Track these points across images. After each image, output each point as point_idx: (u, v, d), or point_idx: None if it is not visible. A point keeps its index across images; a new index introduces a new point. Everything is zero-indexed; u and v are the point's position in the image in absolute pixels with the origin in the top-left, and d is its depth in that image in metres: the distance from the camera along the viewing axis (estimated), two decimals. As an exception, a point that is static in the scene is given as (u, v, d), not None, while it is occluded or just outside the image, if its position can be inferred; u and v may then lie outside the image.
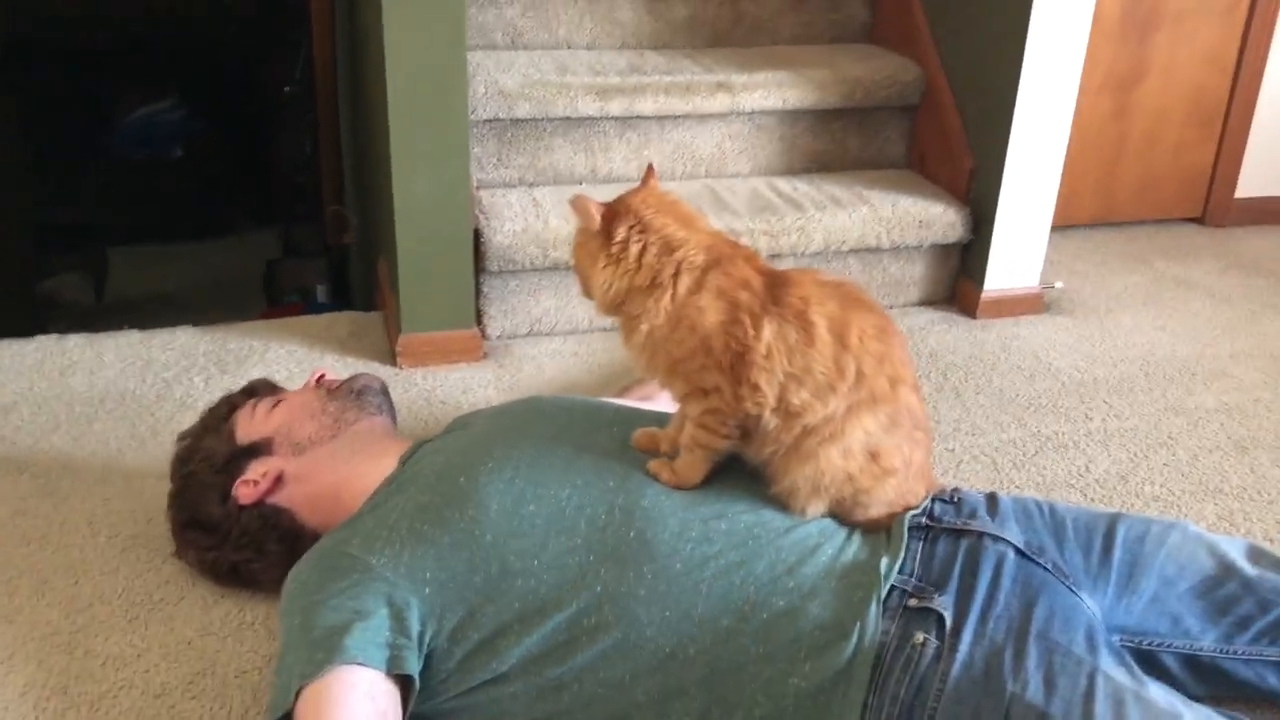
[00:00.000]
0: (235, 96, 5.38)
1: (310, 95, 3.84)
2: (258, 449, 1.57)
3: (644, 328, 1.36)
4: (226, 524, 1.54)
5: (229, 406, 1.66)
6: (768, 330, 1.32)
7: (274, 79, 4.93)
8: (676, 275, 1.34)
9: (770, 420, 1.34)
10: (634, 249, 1.35)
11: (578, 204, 1.37)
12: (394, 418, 1.73)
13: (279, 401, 1.64)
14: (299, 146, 4.80)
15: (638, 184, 1.43)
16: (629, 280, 1.36)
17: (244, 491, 1.54)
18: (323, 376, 1.71)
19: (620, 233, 1.36)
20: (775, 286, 1.36)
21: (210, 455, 1.58)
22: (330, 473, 1.55)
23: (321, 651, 1.25)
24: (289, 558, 1.49)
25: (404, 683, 1.28)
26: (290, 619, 1.33)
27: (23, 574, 1.62)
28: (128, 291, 5.01)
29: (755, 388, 1.33)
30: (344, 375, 1.73)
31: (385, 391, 1.72)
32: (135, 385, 2.11)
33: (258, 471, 1.55)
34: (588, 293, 1.42)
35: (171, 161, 5.44)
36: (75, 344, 2.25)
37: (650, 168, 1.47)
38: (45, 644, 1.49)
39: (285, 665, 1.28)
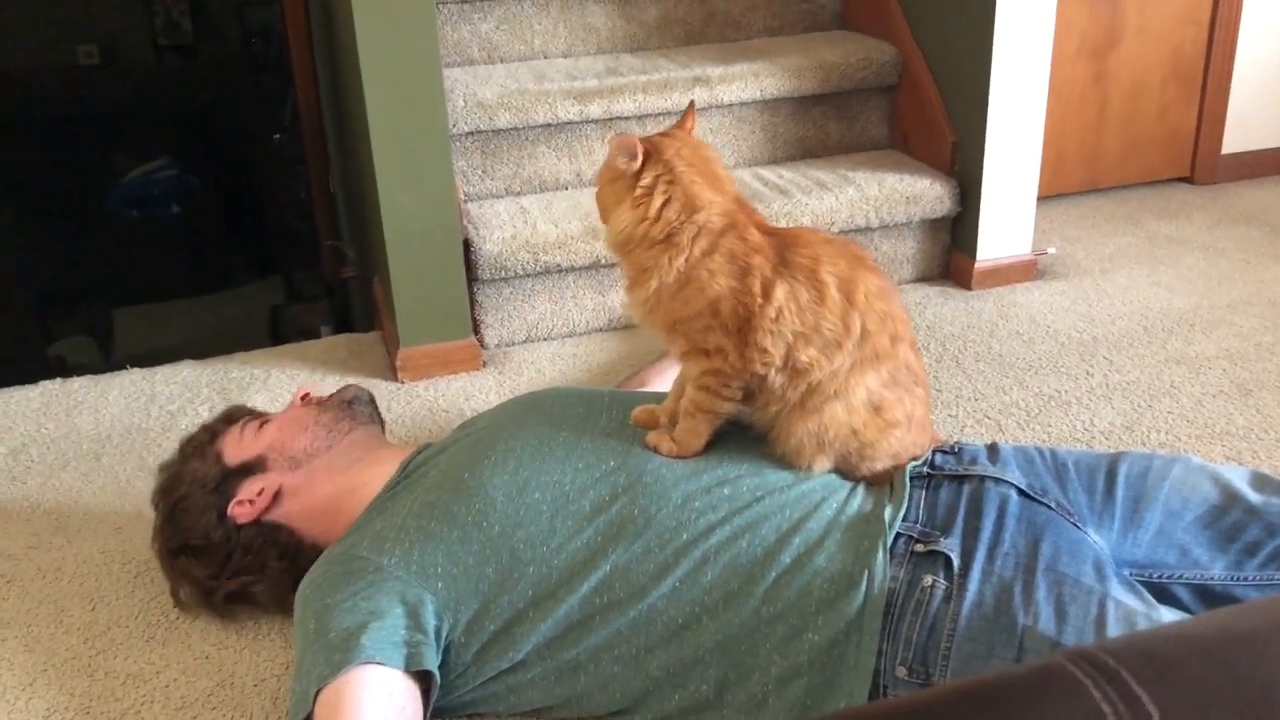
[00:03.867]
0: (226, 149, 5.44)
1: (300, 140, 3.88)
2: (250, 468, 1.55)
3: (653, 284, 1.37)
4: (226, 546, 1.52)
5: (210, 434, 1.63)
6: (779, 293, 1.34)
7: (263, 129, 4.99)
8: (695, 237, 1.35)
9: (776, 379, 1.35)
10: (657, 200, 1.36)
11: (622, 142, 1.36)
12: (383, 428, 1.72)
13: (265, 422, 1.62)
14: (294, 191, 4.86)
15: (675, 122, 1.44)
16: (645, 229, 1.37)
17: (241, 510, 1.52)
18: (307, 395, 1.69)
19: (647, 179, 1.37)
20: (784, 248, 1.37)
21: (200, 478, 1.55)
22: (329, 483, 1.55)
23: (339, 653, 1.25)
24: (290, 574, 1.49)
25: (424, 679, 1.28)
26: (305, 625, 1.33)
27: (41, 604, 1.63)
28: (135, 349, 5.05)
29: (763, 350, 1.34)
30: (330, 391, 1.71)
31: (373, 402, 1.72)
32: (140, 420, 2.13)
33: (253, 490, 1.53)
34: (604, 221, 1.44)
35: (169, 219, 5.49)
36: (80, 385, 2.27)
37: (691, 105, 1.48)
38: (65, 669, 1.50)
39: (303, 670, 1.28)
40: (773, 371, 1.35)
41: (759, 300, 1.33)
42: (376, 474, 1.54)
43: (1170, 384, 2.09)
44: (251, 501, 1.52)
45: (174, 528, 1.55)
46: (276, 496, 1.53)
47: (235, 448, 1.58)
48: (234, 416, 1.67)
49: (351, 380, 2.24)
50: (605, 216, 1.43)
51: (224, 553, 1.52)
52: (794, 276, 1.34)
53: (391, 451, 1.60)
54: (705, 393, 1.38)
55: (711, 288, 1.34)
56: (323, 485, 1.55)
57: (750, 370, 1.35)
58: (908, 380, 1.39)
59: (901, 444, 1.39)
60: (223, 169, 5.49)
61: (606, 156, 1.41)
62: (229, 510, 1.52)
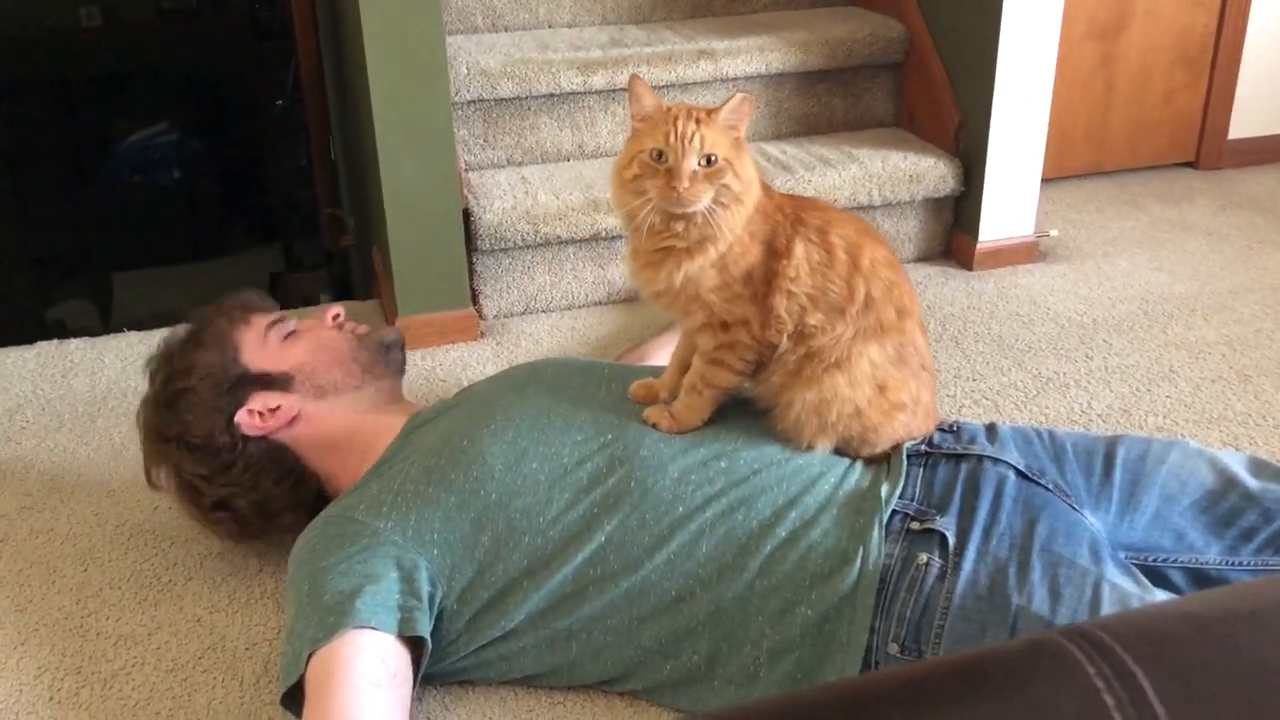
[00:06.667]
0: (228, 114, 5.41)
1: (301, 106, 3.85)
2: (272, 380, 1.51)
3: (711, 252, 1.32)
4: (229, 454, 1.48)
5: (228, 320, 1.56)
6: (799, 249, 1.33)
7: (265, 95, 4.96)
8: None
9: (784, 345, 1.35)
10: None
11: (748, 98, 1.30)
12: (404, 373, 1.70)
13: (293, 332, 1.57)
14: (295, 159, 4.83)
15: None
16: None
17: (250, 421, 1.48)
18: (338, 316, 1.63)
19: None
20: (799, 208, 1.37)
21: (215, 374, 1.50)
22: (346, 419, 1.53)
23: (332, 616, 1.25)
24: (283, 498, 1.49)
25: (415, 644, 1.28)
26: (299, 586, 1.33)
27: (33, 564, 1.63)
28: (134, 314, 5.04)
29: (778, 317, 1.33)
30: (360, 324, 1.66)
31: (404, 346, 1.69)
32: (136, 382, 2.11)
33: (268, 403, 1.49)
34: (746, 183, 1.31)
35: (169, 184, 5.47)
36: (76, 347, 2.26)
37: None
38: (58, 629, 1.50)
39: (296, 632, 1.28)
40: (784, 339, 1.34)
41: (782, 259, 1.32)
42: (387, 425, 1.52)
43: (1169, 368, 2.08)
44: (263, 415, 1.49)
45: (173, 415, 1.50)
46: (293, 420, 1.51)
47: (258, 351, 1.53)
48: (253, 306, 1.60)
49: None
50: (749, 181, 1.32)
51: (225, 460, 1.49)
52: (808, 237, 1.34)
53: (406, 406, 1.60)
54: (717, 367, 1.37)
55: (752, 252, 1.33)
56: (340, 420, 1.53)
57: (767, 341, 1.34)
58: (915, 362, 1.38)
59: (906, 429, 1.38)
60: (224, 134, 5.46)
61: (724, 118, 1.29)
62: (238, 417, 1.48)
